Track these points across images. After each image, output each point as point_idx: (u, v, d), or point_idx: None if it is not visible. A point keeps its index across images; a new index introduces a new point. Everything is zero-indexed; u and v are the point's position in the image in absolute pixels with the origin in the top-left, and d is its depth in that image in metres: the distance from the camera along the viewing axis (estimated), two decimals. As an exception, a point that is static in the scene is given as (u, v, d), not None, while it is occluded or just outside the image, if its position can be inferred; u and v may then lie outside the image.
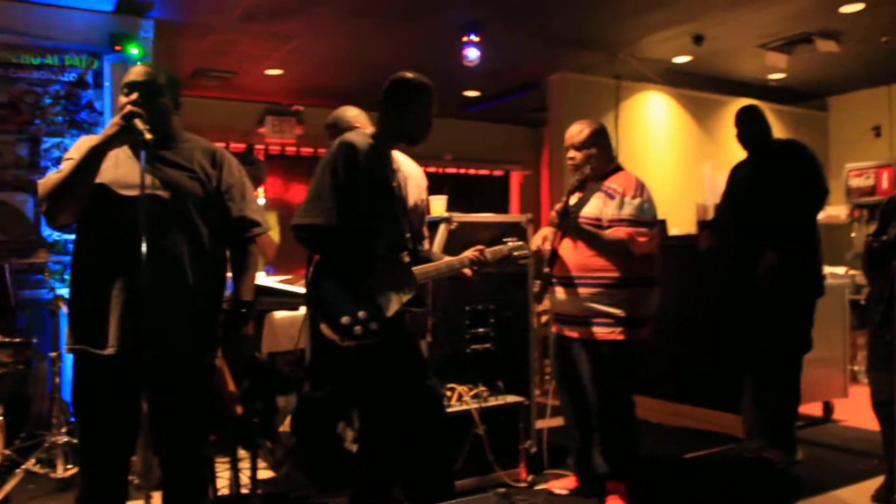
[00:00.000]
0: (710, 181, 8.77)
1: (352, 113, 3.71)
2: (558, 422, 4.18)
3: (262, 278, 4.17)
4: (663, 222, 5.70)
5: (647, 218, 3.67)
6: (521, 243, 3.33)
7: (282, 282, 4.32)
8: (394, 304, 2.99)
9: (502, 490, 4.00)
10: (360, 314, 2.91)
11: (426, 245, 3.63)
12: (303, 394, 3.97)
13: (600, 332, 3.67)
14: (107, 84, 5.63)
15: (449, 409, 3.87)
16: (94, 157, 2.50)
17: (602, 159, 3.83)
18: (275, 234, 5.25)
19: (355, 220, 2.96)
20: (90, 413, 2.64)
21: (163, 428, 2.62)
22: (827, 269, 5.39)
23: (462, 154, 10.95)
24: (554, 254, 3.79)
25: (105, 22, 5.68)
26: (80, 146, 2.60)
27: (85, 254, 2.64)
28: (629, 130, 8.75)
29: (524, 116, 10.78)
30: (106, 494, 2.65)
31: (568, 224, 3.70)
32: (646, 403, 5.55)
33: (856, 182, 8.36)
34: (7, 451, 4.34)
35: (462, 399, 4.04)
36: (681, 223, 7.32)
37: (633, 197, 3.68)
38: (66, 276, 3.95)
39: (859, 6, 6.56)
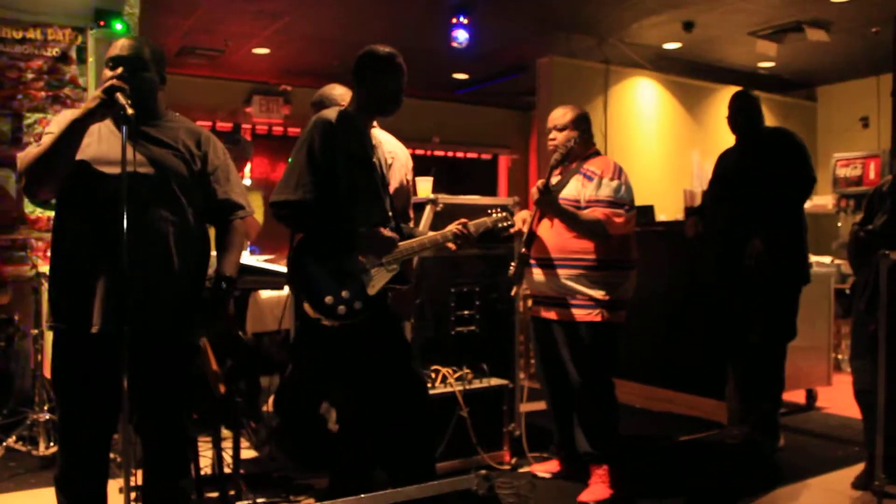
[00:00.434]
0: (697, 168, 8.80)
1: (338, 91, 3.67)
2: (543, 405, 4.18)
3: (247, 258, 4.14)
4: (651, 208, 5.70)
5: (623, 200, 3.68)
6: (504, 214, 3.31)
7: (266, 262, 4.29)
8: (377, 281, 2.97)
9: (485, 472, 4.00)
10: (344, 294, 2.90)
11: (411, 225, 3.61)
12: (286, 374, 3.95)
13: (579, 313, 3.67)
14: (91, 59, 5.55)
15: (433, 392, 3.86)
16: (74, 132, 2.45)
17: (582, 144, 3.85)
18: (259, 215, 5.22)
19: (335, 196, 2.93)
20: (70, 391, 2.61)
21: (144, 406, 2.59)
22: (813, 259, 5.41)
23: (450, 137, 10.94)
24: (532, 235, 3.78)
25: (89, -4, 5.60)
26: (60, 120, 2.55)
27: (66, 231, 2.60)
28: (617, 116, 8.74)
29: (513, 100, 10.76)
30: (84, 472, 2.63)
31: (549, 200, 3.68)
32: (630, 388, 5.58)
33: (843, 172, 8.39)
34: (-12, 429, 4.33)
35: (446, 381, 4.03)
36: (668, 209, 7.34)
37: (611, 179, 3.69)
38: (49, 254, 3.95)
39: (850, -5, 6.57)
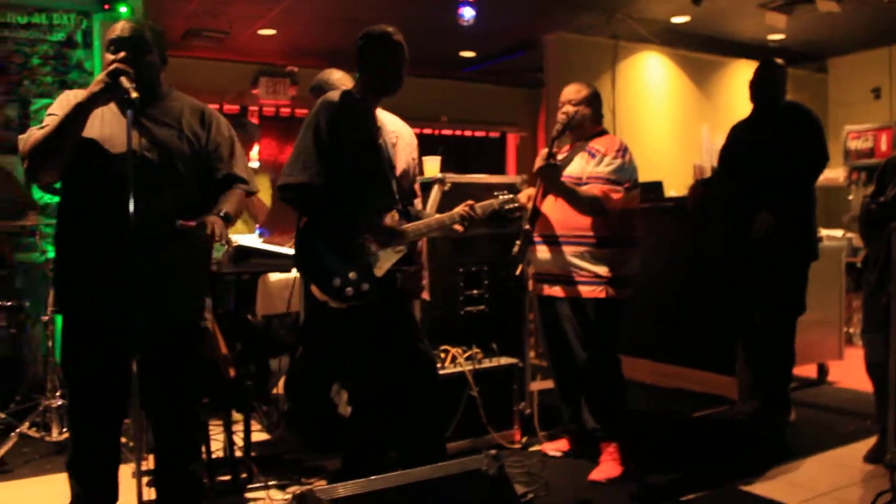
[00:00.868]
0: (707, 142, 8.73)
1: (336, 75, 3.67)
2: (552, 384, 4.18)
3: (255, 240, 4.14)
4: (659, 184, 5.66)
5: (624, 178, 3.66)
6: (511, 196, 3.30)
7: (275, 244, 4.28)
8: (384, 262, 2.97)
9: (495, 452, 4.01)
10: (351, 275, 2.90)
11: (418, 205, 3.60)
12: (296, 356, 3.96)
13: (584, 290, 3.67)
14: (96, 44, 5.55)
15: (443, 371, 3.86)
16: (78, 115, 2.44)
17: (591, 120, 3.83)
18: (266, 198, 5.20)
19: (342, 179, 2.92)
20: (79, 375, 2.62)
21: (153, 390, 2.60)
22: (824, 232, 5.37)
23: (458, 116, 10.87)
24: (536, 212, 3.76)
25: (94, -20, 5.58)
26: (63, 102, 2.55)
27: (71, 215, 2.60)
28: (626, 91, 8.67)
29: (521, 78, 10.67)
30: (96, 457, 2.64)
31: (552, 173, 3.65)
32: (640, 365, 5.57)
33: (854, 144, 8.31)
34: (2, 415, 4.35)
35: (456, 361, 4.03)
36: (677, 185, 7.27)
37: (614, 157, 3.68)
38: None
39: (861, -36, 6.48)
